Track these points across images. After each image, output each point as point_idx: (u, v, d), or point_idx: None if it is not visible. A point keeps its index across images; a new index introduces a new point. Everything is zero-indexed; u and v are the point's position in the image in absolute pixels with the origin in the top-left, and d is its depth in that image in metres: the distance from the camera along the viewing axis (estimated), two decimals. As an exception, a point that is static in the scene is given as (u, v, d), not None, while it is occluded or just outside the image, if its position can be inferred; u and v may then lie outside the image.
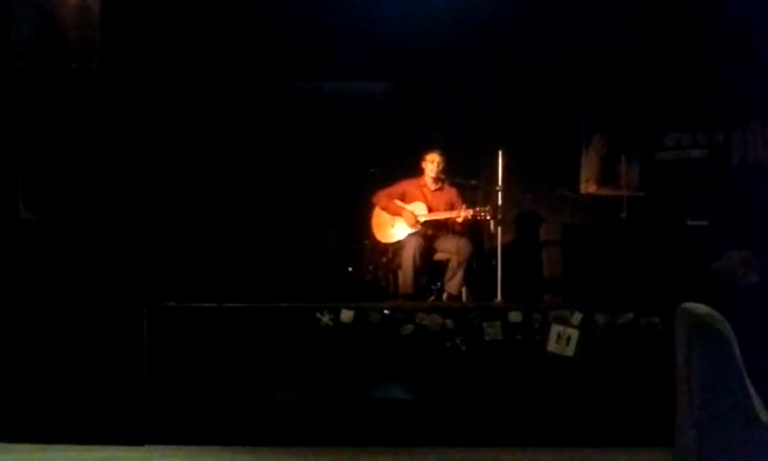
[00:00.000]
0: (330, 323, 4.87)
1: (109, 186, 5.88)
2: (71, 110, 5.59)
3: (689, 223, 6.29)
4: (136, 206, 6.04)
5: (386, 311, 4.91)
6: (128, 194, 6.01)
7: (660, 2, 6.48)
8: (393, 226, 6.32)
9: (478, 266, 6.26)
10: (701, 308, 3.39)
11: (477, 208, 6.05)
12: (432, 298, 6.24)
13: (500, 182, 6.17)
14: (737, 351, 3.22)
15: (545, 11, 6.52)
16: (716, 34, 6.49)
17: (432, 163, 6.27)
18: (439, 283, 6.23)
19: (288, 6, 6.42)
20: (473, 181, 6.42)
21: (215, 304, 4.95)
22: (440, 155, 6.28)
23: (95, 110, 5.69)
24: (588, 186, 7.08)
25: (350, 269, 6.54)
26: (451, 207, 6.25)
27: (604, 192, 6.97)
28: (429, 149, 6.32)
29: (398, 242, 6.22)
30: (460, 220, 6.10)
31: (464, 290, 6.08)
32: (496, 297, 6.05)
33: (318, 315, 4.88)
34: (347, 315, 4.88)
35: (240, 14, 6.48)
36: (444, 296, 6.10)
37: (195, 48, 6.51)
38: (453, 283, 6.03)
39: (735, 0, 6.22)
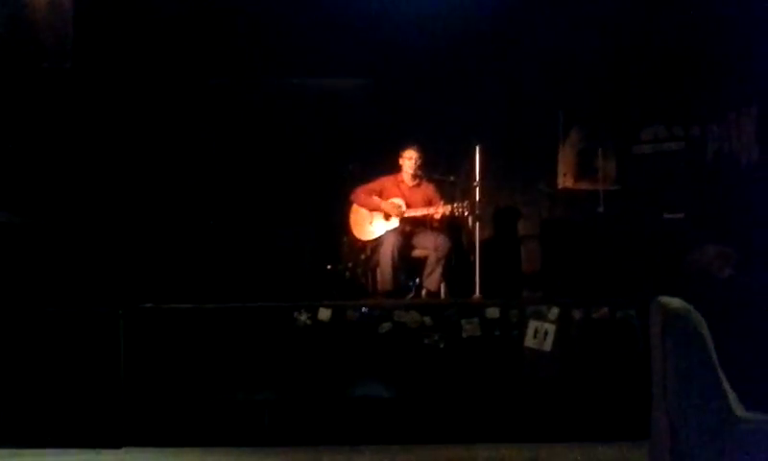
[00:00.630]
0: (308, 322, 4.86)
1: (84, 187, 5.82)
2: (44, 110, 5.52)
3: (666, 216, 6.33)
4: (112, 207, 5.99)
5: (364, 309, 4.91)
6: (103, 194, 5.96)
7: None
8: (371, 223, 6.31)
9: (456, 262, 6.26)
10: (675, 302, 3.40)
11: (455, 204, 6.05)
12: (411, 294, 6.24)
13: (478, 178, 6.18)
14: (711, 345, 3.24)
15: (523, 7, 6.50)
16: (691, 27, 6.51)
17: (410, 160, 6.27)
18: (417, 280, 6.23)
19: (265, 4, 6.37)
20: (451, 177, 6.43)
21: (192, 305, 4.93)
22: (417, 151, 6.28)
23: (68, 110, 5.63)
24: (566, 181, 7.08)
25: (329, 267, 6.52)
26: (429, 204, 6.24)
27: (581, 186, 6.97)
28: (406, 145, 6.32)
29: (376, 239, 6.22)
30: (438, 216, 6.10)
31: (442, 286, 6.08)
32: (475, 293, 6.06)
33: (295, 314, 4.86)
34: (324, 314, 4.88)
35: (216, 11, 6.43)
36: (423, 292, 6.09)
37: (171, 45, 6.45)
38: (432, 280, 6.03)
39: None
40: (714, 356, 3.26)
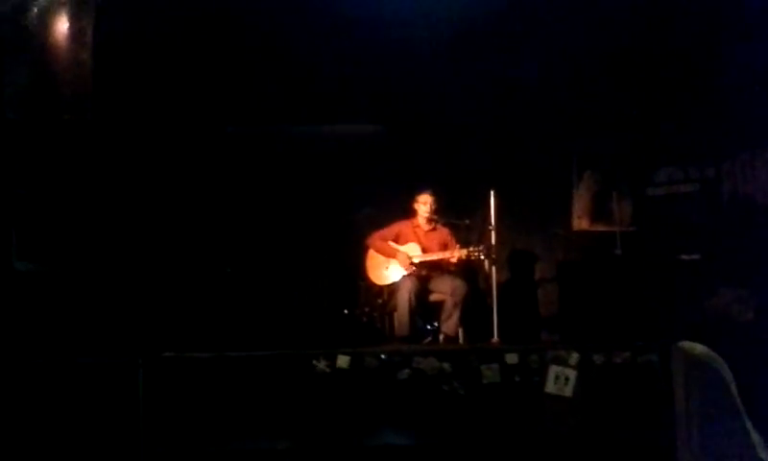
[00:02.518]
0: (327, 369, 4.84)
1: (104, 236, 5.86)
2: (64, 161, 5.59)
3: (683, 258, 6.31)
4: (132, 255, 6.03)
5: (383, 356, 4.89)
6: (123, 243, 6.00)
7: (648, 40, 6.54)
8: (387, 268, 6.32)
9: (474, 306, 6.25)
10: (697, 348, 3.38)
11: (471, 248, 6.07)
12: (428, 339, 6.23)
13: (493, 221, 6.20)
14: (735, 391, 3.22)
15: (534, 50, 6.57)
16: (705, 68, 6.55)
17: (425, 205, 6.30)
18: (435, 323, 6.22)
19: (278, 53, 6.46)
20: (466, 221, 6.45)
21: (212, 354, 4.93)
22: (432, 195, 6.31)
23: (88, 161, 5.69)
24: (581, 223, 7.10)
25: (346, 311, 6.53)
26: (445, 247, 6.27)
27: (597, 228, 6.99)
28: (421, 190, 6.35)
29: (393, 284, 6.23)
30: (454, 260, 6.11)
31: (460, 331, 6.07)
32: (493, 337, 6.05)
33: (314, 361, 4.85)
34: (343, 360, 4.86)
35: (232, 61, 6.53)
36: (441, 337, 6.08)
37: (189, 95, 6.54)
38: (449, 324, 6.02)
39: (725, 35, 6.28)
40: (738, 401, 3.24)
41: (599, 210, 7.02)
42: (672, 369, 3.57)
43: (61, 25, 5.27)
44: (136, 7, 5.81)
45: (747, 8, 5.86)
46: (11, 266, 5.67)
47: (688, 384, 3.31)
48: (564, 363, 4.82)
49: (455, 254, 6.09)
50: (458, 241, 6.29)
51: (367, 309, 6.47)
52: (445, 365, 4.83)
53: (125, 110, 6.04)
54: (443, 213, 6.37)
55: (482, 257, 6.07)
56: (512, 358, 4.84)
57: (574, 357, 4.82)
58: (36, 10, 5.14)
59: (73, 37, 5.26)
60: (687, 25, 6.29)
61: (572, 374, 4.79)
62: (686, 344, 3.49)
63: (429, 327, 6.30)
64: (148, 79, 6.22)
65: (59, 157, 5.49)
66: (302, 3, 6.07)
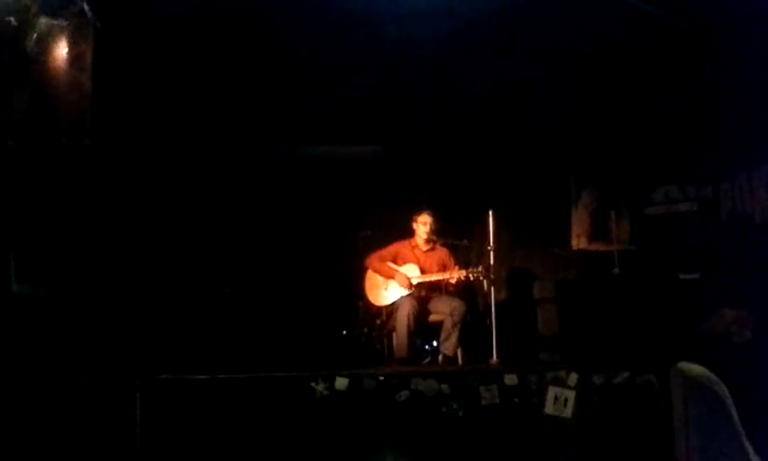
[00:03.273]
0: (325, 391, 4.82)
1: (102, 258, 5.88)
2: (64, 185, 5.62)
3: (681, 276, 6.31)
4: (129, 278, 6.03)
5: (381, 378, 4.87)
6: (120, 265, 6.01)
7: (645, 58, 6.57)
8: (386, 288, 6.32)
9: (473, 326, 6.24)
10: (696, 369, 3.39)
11: (470, 269, 6.07)
12: (427, 360, 6.22)
13: (491, 242, 6.21)
14: (734, 412, 3.21)
15: (532, 69, 6.60)
16: (702, 88, 6.58)
17: (424, 225, 6.31)
18: (434, 343, 6.20)
19: (276, 76, 6.49)
20: (465, 241, 6.46)
21: (209, 376, 4.91)
22: (431, 215, 6.32)
23: (87, 184, 5.72)
24: (579, 242, 7.11)
25: (344, 332, 6.52)
26: (443, 268, 6.27)
27: (595, 248, 7.00)
28: (420, 210, 6.36)
29: (392, 304, 6.22)
30: (453, 281, 6.10)
31: (459, 351, 6.06)
32: (492, 357, 6.03)
33: (312, 384, 4.84)
34: (341, 383, 4.84)
35: (229, 83, 6.56)
36: (440, 358, 6.06)
37: (186, 118, 6.58)
38: (448, 345, 6.00)
39: (722, 54, 6.31)
40: (737, 422, 3.24)
41: (597, 229, 7.03)
42: (671, 390, 3.57)
43: (61, 50, 5.31)
44: (135, 30, 5.84)
45: (747, 25, 5.88)
46: (8, 289, 5.67)
47: (687, 405, 3.31)
48: (563, 384, 4.80)
49: (454, 275, 6.09)
50: (457, 261, 6.29)
51: (365, 330, 6.45)
52: (444, 387, 4.81)
53: (123, 134, 6.07)
54: (441, 233, 6.37)
55: (481, 278, 6.06)
56: (511, 379, 4.82)
57: (573, 378, 4.80)
58: (35, 35, 5.17)
59: (72, 62, 5.30)
60: (687, 42, 6.32)
61: (571, 394, 4.78)
62: (685, 365, 3.50)
63: (428, 347, 6.30)
64: (146, 102, 6.25)
65: (57, 182, 5.52)
66: (298, 26, 6.09)
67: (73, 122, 5.28)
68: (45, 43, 5.28)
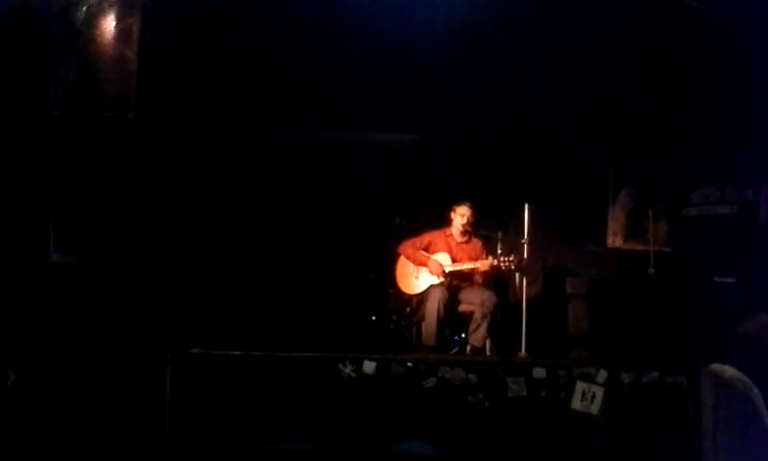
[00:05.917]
0: (353, 374, 4.85)
1: (139, 232, 5.96)
2: (104, 157, 5.71)
3: (717, 280, 6.22)
4: (166, 252, 6.11)
5: (409, 364, 4.88)
6: (157, 239, 6.09)
7: (688, 58, 6.48)
8: (417, 276, 6.32)
9: (503, 319, 6.22)
10: (728, 371, 3.34)
11: (501, 258, 6.04)
12: (455, 350, 6.21)
13: (526, 235, 6.17)
14: (765, 415, 3.17)
15: (574, 67, 6.54)
16: (745, 89, 6.46)
17: (462, 217, 6.26)
18: (463, 334, 6.20)
19: (320, 57, 6.51)
20: (499, 234, 6.43)
21: (240, 352, 4.97)
22: (470, 208, 6.28)
23: (128, 158, 5.81)
24: (615, 240, 7.02)
25: (374, 318, 6.54)
26: (476, 259, 6.23)
27: (630, 247, 6.91)
28: (459, 201, 6.33)
29: (422, 293, 6.22)
30: (484, 268, 6.08)
31: (487, 343, 6.05)
32: (521, 350, 6.02)
33: (340, 366, 4.87)
34: (369, 366, 4.86)
35: (273, 66, 6.59)
36: (468, 348, 6.05)
37: (229, 97, 6.63)
38: (477, 336, 5.99)
39: (765, 56, 6.19)
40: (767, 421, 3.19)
41: (634, 229, 6.94)
42: (702, 391, 3.53)
43: (108, 24, 5.39)
44: (182, 8, 5.89)
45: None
46: (47, 258, 5.79)
47: (718, 407, 3.27)
48: (591, 380, 4.77)
49: (485, 263, 6.06)
50: (489, 254, 6.25)
51: (395, 317, 6.47)
52: (471, 376, 4.81)
53: (166, 110, 6.14)
54: (477, 225, 6.34)
55: (512, 268, 6.04)
56: (539, 373, 4.80)
57: (602, 375, 4.77)
58: (84, 9, 5.25)
59: (119, 36, 5.38)
60: (726, 45, 6.21)
61: (599, 391, 4.74)
62: (717, 366, 3.45)
63: (456, 337, 6.28)
64: (190, 80, 6.31)
65: (99, 154, 5.61)
66: (343, 16, 6.10)
67: (117, 96, 5.36)
68: (94, 16, 5.36)
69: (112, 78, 5.35)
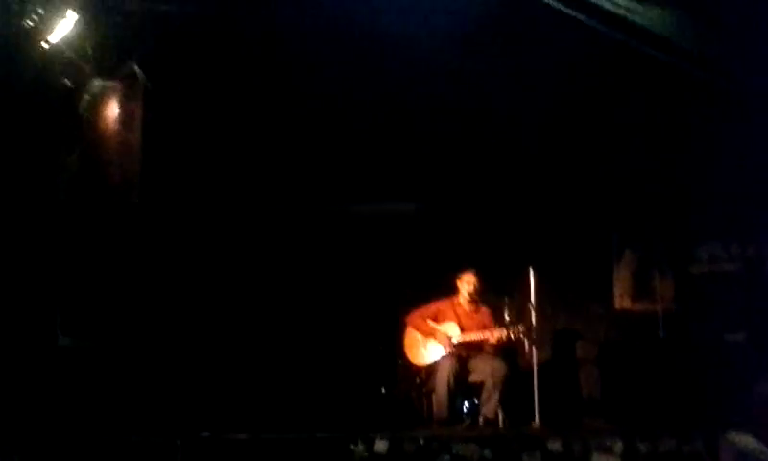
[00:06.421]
0: (365, 454, 4.78)
1: (146, 314, 5.95)
2: (109, 240, 5.72)
3: (727, 337, 6.19)
4: (172, 334, 6.08)
5: (421, 441, 4.82)
6: (163, 322, 6.07)
7: (685, 120, 6.55)
8: (425, 347, 6.26)
9: (514, 387, 6.13)
10: (748, 442, 3.30)
11: (511, 328, 5.99)
12: (467, 422, 6.11)
13: (533, 299, 6.14)
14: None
15: (573, 131, 6.62)
16: (743, 145, 6.50)
17: (468, 284, 6.25)
18: (475, 400, 6.08)
19: (322, 134, 6.59)
20: (506, 299, 6.39)
21: (249, 435, 4.91)
22: (475, 275, 6.26)
23: (132, 240, 5.82)
24: (623, 302, 7.00)
25: (384, 390, 6.46)
26: (484, 328, 6.18)
27: (638, 307, 6.88)
28: (465, 269, 6.31)
29: (432, 364, 6.16)
30: (494, 341, 6.04)
31: (500, 413, 5.97)
32: (534, 419, 5.94)
33: (352, 446, 4.80)
34: (381, 446, 4.80)
35: (273, 142, 6.66)
36: (481, 419, 5.97)
37: (232, 177, 6.68)
38: (489, 407, 5.92)
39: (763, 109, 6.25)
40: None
41: (640, 288, 6.93)
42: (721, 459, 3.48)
43: (112, 110, 5.48)
44: (184, 89, 5.98)
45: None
46: (55, 342, 5.76)
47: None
48: (608, 451, 4.70)
49: (495, 335, 6.02)
50: (497, 322, 6.20)
51: (404, 389, 6.39)
52: (486, 452, 4.74)
53: (171, 191, 6.18)
54: (484, 293, 6.31)
55: (522, 337, 5.99)
56: (554, 445, 4.73)
57: (619, 446, 4.70)
58: (88, 96, 5.33)
59: (122, 122, 5.45)
60: (726, 102, 6.28)
61: (617, 462, 4.67)
62: (736, 436, 3.42)
63: (468, 405, 6.18)
64: (194, 160, 6.37)
65: (104, 237, 5.62)
66: (342, 84, 6.19)
67: (122, 181, 5.43)
68: (97, 104, 5.44)
69: (116, 163, 5.41)
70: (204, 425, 5.12)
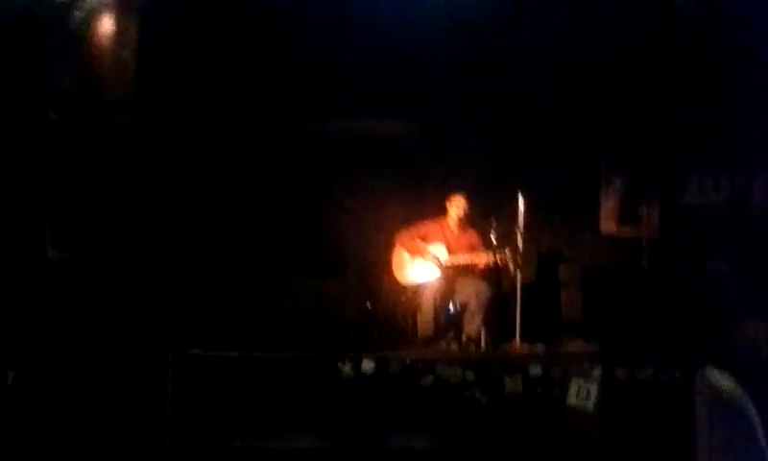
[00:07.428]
0: (351, 373, 4.91)
1: (139, 230, 5.95)
2: (103, 159, 5.67)
3: (710, 267, 6.28)
4: (165, 251, 6.10)
5: (407, 362, 4.95)
6: (157, 238, 6.07)
7: (680, 46, 6.48)
8: (413, 266, 6.34)
9: (497, 308, 6.26)
10: (724, 383, 3.38)
11: (498, 254, 6.06)
12: (450, 334, 6.21)
13: (520, 224, 6.20)
14: (761, 432, 3.22)
15: (566, 55, 6.54)
16: (738, 76, 6.46)
17: (457, 207, 6.29)
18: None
19: (315, 51, 6.48)
20: (493, 220, 6.42)
21: (239, 353, 5.01)
22: (465, 198, 6.30)
23: (125, 157, 5.77)
24: (608, 226, 7.05)
25: (369, 306, 6.52)
26: (472, 250, 6.26)
27: (623, 233, 6.94)
28: (455, 191, 6.34)
29: (418, 284, 6.25)
30: (482, 266, 6.12)
31: (482, 333, 6.10)
32: (515, 339, 6.08)
33: (339, 365, 4.92)
34: (367, 365, 4.93)
35: (269, 60, 6.55)
36: (463, 338, 6.10)
37: (226, 95, 6.58)
38: (472, 327, 6.06)
39: (759, 42, 6.19)
40: (762, 439, 3.24)
41: (627, 215, 6.97)
42: (696, 396, 3.57)
43: (106, 26, 5.33)
44: (179, 8, 5.83)
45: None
46: (44, 255, 5.78)
47: (712, 417, 3.31)
48: (586, 376, 4.85)
49: (483, 260, 6.10)
50: (484, 244, 6.27)
51: (389, 306, 6.49)
52: (468, 374, 4.88)
53: (165, 110, 6.09)
54: (472, 215, 6.35)
55: (508, 262, 6.07)
56: (535, 370, 4.87)
57: (597, 371, 4.84)
58: (81, 12, 5.19)
59: (117, 39, 5.32)
60: (717, 35, 6.21)
61: (594, 388, 4.82)
62: (712, 374, 3.48)
63: (452, 324, 6.27)
64: (188, 79, 6.25)
65: (97, 156, 5.57)
66: (339, 8, 6.06)
67: (116, 99, 5.33)
68: (92, 20, 5.30)
69: (110, 81, 5.30)
70: (195, 342, 5.20)
